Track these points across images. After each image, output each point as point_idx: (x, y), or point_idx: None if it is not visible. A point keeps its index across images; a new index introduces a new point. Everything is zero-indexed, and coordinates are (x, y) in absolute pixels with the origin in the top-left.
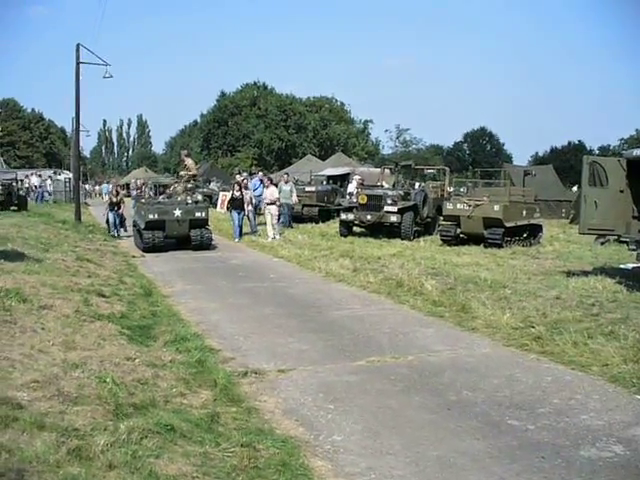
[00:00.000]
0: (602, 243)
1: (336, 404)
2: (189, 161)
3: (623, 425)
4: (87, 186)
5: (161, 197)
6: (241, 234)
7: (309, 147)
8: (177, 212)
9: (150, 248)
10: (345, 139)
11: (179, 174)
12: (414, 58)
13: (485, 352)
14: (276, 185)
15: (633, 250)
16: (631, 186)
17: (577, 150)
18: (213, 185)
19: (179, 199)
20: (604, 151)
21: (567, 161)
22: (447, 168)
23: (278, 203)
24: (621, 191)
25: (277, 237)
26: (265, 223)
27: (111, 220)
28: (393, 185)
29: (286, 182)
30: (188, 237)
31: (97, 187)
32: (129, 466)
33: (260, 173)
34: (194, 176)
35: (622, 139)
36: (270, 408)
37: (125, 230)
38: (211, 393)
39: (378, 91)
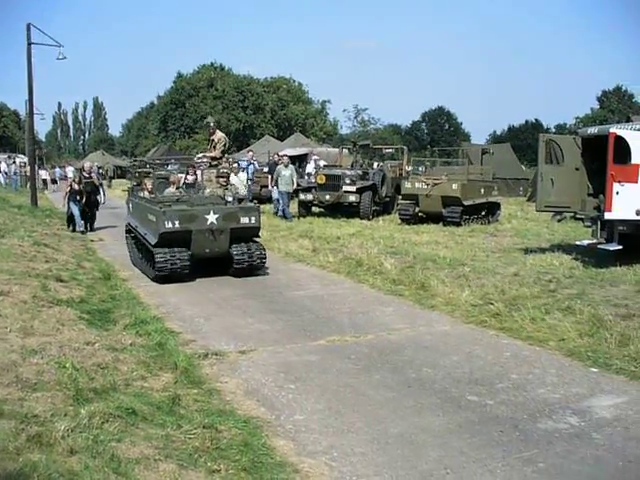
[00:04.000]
0: (559, 220)
1: (297, 384)
2: (219, 135)
3: (578, 397)
4: (43, 171)
5: (168, 190)
6: None
7: (267, 128)
8: (211, 217)
9: (166, 276)
10: (303, 119)
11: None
12: (375, 41)
13: (444, 329)
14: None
15: (588, 227)
16: (586, 164)
17: (534, 129)
18: (171, 167)
19: (207, 194)
20: (560, 129)
21: (524, 140)
22: (405, 147)
23: (276, 191)
24: (577, 169)
25: None
26: None
27: (76, 213)
28: (351, 165)
29: (286, 165)
30: (227, 257)
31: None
32: (90, 451)
33: (250, 153)
34: (215, 159)
35: (578, 118)
36: (231, 389)
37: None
38: (172, 376)
39: (336, 71)
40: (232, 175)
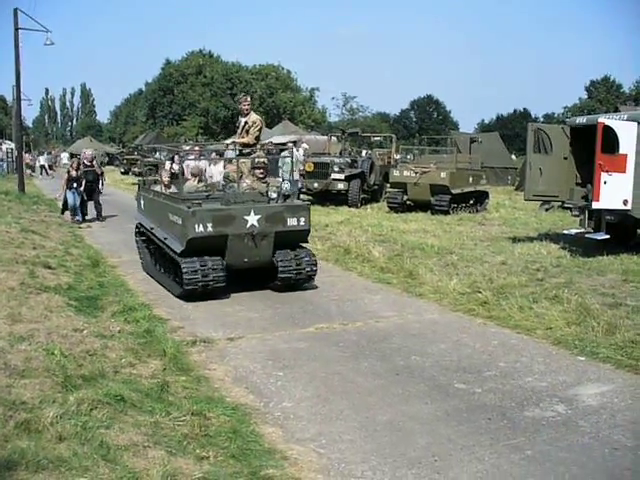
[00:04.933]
0: (547, 209)
1: (285, 371)
2: (254, 117)
3: (565, 385)
4: (41, 157)
5: (189, 184)
6: None
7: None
8: (252, 219)
9: (196, 293)
10: (292, 107)
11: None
12: (365, 28)
13: (432, 317)
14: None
15: (576, 216)
16: (574, 153)
17: (523, 118)
18: (159, 154)
19: (244, 188)
20: (549, 119)
21: (513, 128)
22: (394, 136)
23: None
24: (565, 158)
25: None
26: None
27: (71, 202)
28: (340, 153)
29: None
30: (269, 267)
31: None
32: (79, 437)
33: (281, 139)
34: (248, 146)
35: (566, 107)
36: (220, 376)
37: (86, 214)
38: (160, 363)
39: (325, 59)
40: (210, 165)
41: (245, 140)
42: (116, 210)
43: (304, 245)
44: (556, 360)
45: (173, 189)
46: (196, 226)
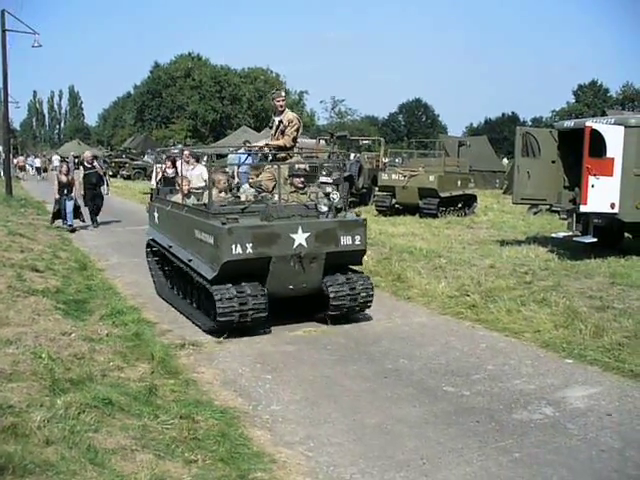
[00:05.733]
0: (535, 213)
1: (274, 374)
2: (290, 115)
3: (553, 388)
4: (37, 160)
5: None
6: None
7: (244, 118)
8: (299, 237)
9: (231, 326)
10: None
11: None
12: (353, 31)
13: (421, 321)
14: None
15: (564, 219)
16: (562, 157)
17: (511, 121)
18: (147, 157)
19: (285, 200)
20: (537, 123)
21: (501, 132)
22: (382, 139)
23: None
24: (553, 162)
25: None
26: None
27: (68, 209)
28: (328, 156)
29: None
30: (316, 293)
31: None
32: (67, 441)
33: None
34: (285, 149)
35: (554, 111)
36: (208, 379)
37: (83, 220)
38: (149, 366)
39: (314, 62)
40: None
41: (280, 142)
42: (103, 213)
43: (354, 268)
44: (544, 363)
45: (192, 199)
46: (233, 247)
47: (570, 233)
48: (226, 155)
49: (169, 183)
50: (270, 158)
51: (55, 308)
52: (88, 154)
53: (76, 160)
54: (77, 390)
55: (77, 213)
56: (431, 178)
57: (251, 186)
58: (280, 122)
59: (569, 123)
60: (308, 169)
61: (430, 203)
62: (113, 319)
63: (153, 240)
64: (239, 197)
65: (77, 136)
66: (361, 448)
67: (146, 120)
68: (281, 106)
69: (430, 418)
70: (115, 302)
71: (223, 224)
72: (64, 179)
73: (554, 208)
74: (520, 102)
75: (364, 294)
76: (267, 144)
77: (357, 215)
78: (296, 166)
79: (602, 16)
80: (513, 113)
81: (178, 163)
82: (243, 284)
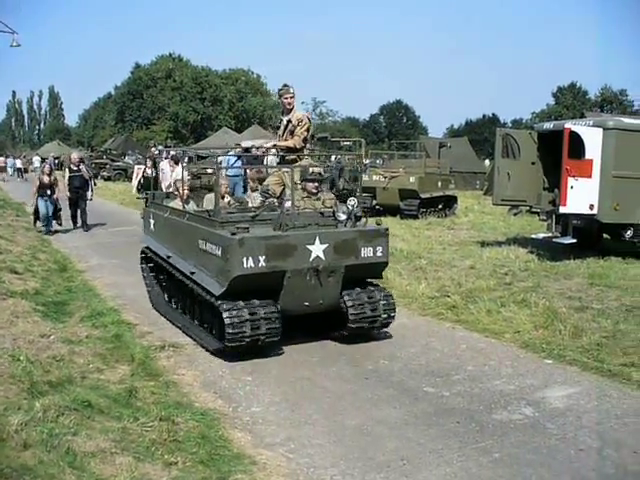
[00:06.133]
0: (515, 214)
1: (254, 376)
2: (299, 115)
3: (533, 388)
4: (18, 160)
5: (208, 198)
6: None
7: (225, 120)
8: (316, 249)
9: (241, 349)
10: (261, 111)
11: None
12: (334, 33)
13: (401, 322)
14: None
15: (544, 220)
16: (542, 158)
17: (491, 123)
18: (128, 159)
19: (297, 207)
20: (517, 124)
21: (482, 134)
22: (363, 140)
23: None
24: (532, 163)
25: None
26: None
27: (42, 210)
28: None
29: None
30: (331, 310)
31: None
32: (45, 445)
33: (245, 143)
34: (295, 151)
35: (534, 113)
36: (188, 381)
37: (60, 224)
38: (129, 368)
39: (295, 63)
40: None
41: (290, 143)
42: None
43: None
44: (524, 363)
45: (192, 205)
46: (244, 260)
47: (550, 234)
48: (206, 157)
49: (148, 183)
50: (277, 161)
51: (34, 310)
52: (75, 156)
53: (56, 161)
54: (56, 393)
55: (56, 215)
56: (412, 179)
57: (253, 191)
58: (289, 122)
59: (548, 125)
60: (322, 173)
61: (411, 204)
62: (93, 321)
63: (148, 249)
64: (243, 203)
65: (57, 137)
66: (342, 449)
67: (127, 121)
68: (289, 104)
69: (410, 419)
70: (95, 304)
71: (233, 234)
72: (46, 179)
73: (534, 209)
74: (500, 104)
75: (385, 315)
76: (275, 145)
77: (378, 224)
78: (310, 169)
79: (581, 19)
80: (493, 115)
81: (162, 164)
82: (255, 302)
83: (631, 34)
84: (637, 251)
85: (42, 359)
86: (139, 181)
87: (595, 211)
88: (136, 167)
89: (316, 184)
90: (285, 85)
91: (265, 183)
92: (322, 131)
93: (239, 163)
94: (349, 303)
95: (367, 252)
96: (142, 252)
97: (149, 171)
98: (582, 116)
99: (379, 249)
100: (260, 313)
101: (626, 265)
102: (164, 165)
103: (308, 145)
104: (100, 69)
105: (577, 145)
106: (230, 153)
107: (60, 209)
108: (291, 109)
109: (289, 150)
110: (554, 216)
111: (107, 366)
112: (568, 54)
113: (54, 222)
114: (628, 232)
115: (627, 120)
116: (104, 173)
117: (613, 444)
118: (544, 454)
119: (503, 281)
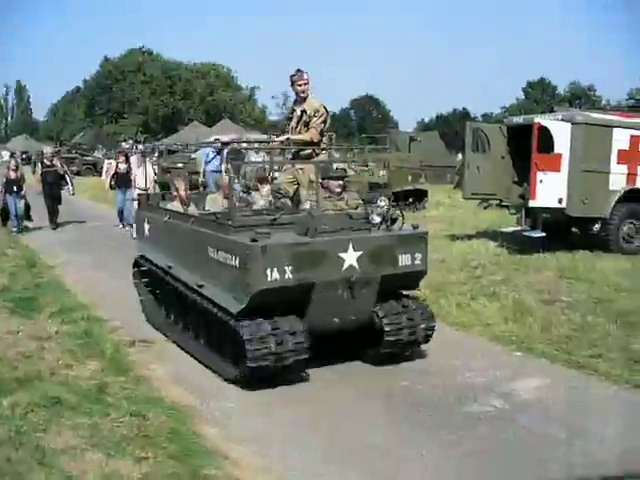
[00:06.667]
0: (485, 207)
1: None
2: (314, 104)
3: (503, 381)
4: None
5: (215, 197)
6: (122, 219)
7: (195, 114)
8: (350, 257)
9: (265, 373)
10: (232, 105)
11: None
12: (304, 26)
13: None
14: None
15: (513, 214)
16: (512, 152)
17: (462, 117)
18: (98, 153)
19: (329, 209)
20: (487, 118)
21: (452, 128)
22: (333, 134)
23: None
24: (502, 157)
25: None
26: None
27: (12, 208)
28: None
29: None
30: (363, 327)
31: None
32: (13, 442)
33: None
34: (312, 144)
35: (504, 107)
36: (159, 376)
37: (31, 221)
38: (99, 363)
39: (265, 57)
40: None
41: (307, 137)
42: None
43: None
44: (494, 356)
45: (192, 208)
46: (269, 271)
47: (519, 228)
48: (175, 152)
49: (122, 179)
50: (290, 157)
51: (1, 307)
52: (48, 150)
53: (24, 156)
54: (24, 390)
55: (27, 214)
56: (381, 173)
57: (254, 190)
58: (303, 112)
59: (518, 119)
60: (347, 170)
61: None
62: (63, 317)
63: (144, 257)
64: (250, 203)
65: (25, 131)
66: (313, 443)
67: (96, 115)
68: (303, 92)
69: (383, 412)
70: (65, 299)
71: (254, 241)
72: (12, 175)
73: (504, 203)
74: (471, 98)
75: (424, 325)
76: (288, 138)
77: (414, 227)
78: (334, 166)
79: (550, 14)
80: (464, 109)
81: (132, 158)
82: (277, 320)
83: (600, 32)
84: (605, 244)
85: (10, 356)
86: (112, 177)
87: (564, 205)
88: (106, 162)
89: (340, 182)
90: (298, 70)
91: (277, 182)
92: None
93: (218, 159)
94: (384, 319)
95: (405, 260)
96: (134, 262)
97: (122, 166)
98: (551, 110)
99: (418, 256)
100: (285, 331)
101: (594, 258)
102: (134, 160)
103: (324, 139)
104: (68, 63)
105: (546, 139)
106: (208, 149)
107: (29, 206)
108: (305, 97)
109: (305, 144)
110: (524, 210)
111: (77, 362)
112: (538, 49)
113: (25, 220)
114: (596, 226)
115: (595, 115)
116: (73, 168)
117: (581, 435)
118: (513, 446)
119: (473, 274)
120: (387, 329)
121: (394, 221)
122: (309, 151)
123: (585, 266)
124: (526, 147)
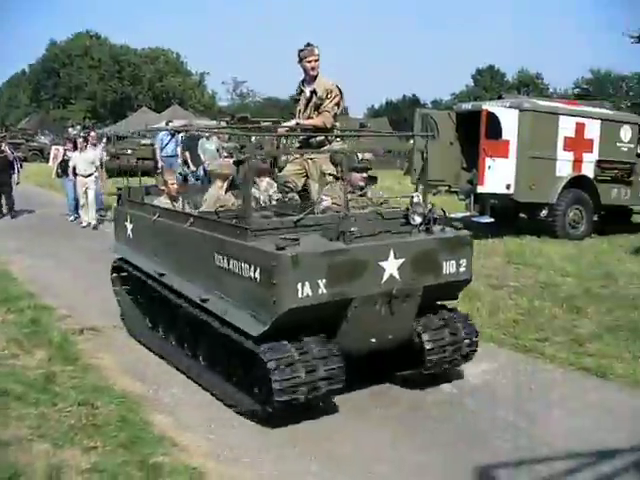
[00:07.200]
0: (434, 193)
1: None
2: (327, 84)
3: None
4: None
5: (211, 195)
6: (77, 209)
7: (144, 99)
8: (390, 265)
9: (295, 406)
10: (181, 91)
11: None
12: (254, 12)
13: None
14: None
15: (462, 200)
16: (460, 138)
17: (412, 103)
18: (45, 139)
19: (365, 209)
20: (437, 105)
21: (402, 114)
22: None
23: (97, 174)
24: (451, 143)
25: (93, 222)
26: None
27: None
28: (229, 138)
29: (208, 138)
30: (402, 348)
31: None
32: None
33: (173, 123)
34: (323, 131)
35: (454, 94)
36: (107, 365)
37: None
38: (46, 353)
39: (215, 43)
40: (203, 140)
41: (318, 121)
42: None
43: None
44: None
45: (181, 204)
46: (300, 286)
47: (468, 213)
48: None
49: (62, 167)
50: (297, 145)
51: None
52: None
53: None
54: None
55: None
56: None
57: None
58: (313, 93)
59: (467, 106)
60: (370, 159)
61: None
62: (8, 305)
63: (127, 261)
64: (256, 199)
65: None
66: (263, 430)
67: (43, 100)
68: (313, 69)
69: (353, 409)
70: (11, 288)
71: (280, 249)
72: None
73: (453, 189)
74: (421, 85)
75: (468, 340)
76: (298, 123)
77: (456, 228)
78: (359, 156)
79: (500, 1)
80: (414, 95)
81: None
82: (305, 341)
83: (549, 19)
84: (551, 230)
85: None
86: (59, 164)
87: (512, 191)
88: (53, 148)
89: (364, 175)
90: (308, 44)
91: (283, 173)
92: (242, 112)
93: (173, 143)
94: (424, 336)
95: (450, 267)
96: (113, 266)
97: (70, 154)
98: (500, 97)
99: (463, 263)
100: (317, 355)
101: (541, 244)
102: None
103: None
104: (13, 45)
105: (495, 126)
106: (162, 133)
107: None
108: (315, 76)
109: (317, 130)
110: (472, 196)
111: (23, 351)
112: (487, 37)
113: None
114: (543, 211)
115: (542, 102)
116: (19, 154)
117: (527, 417)
118: (462, 430)
119: None
120: (428, 347)
121: (435, 221)
122: (321, 138)
123: (532, 251)
124: (475, 133)
